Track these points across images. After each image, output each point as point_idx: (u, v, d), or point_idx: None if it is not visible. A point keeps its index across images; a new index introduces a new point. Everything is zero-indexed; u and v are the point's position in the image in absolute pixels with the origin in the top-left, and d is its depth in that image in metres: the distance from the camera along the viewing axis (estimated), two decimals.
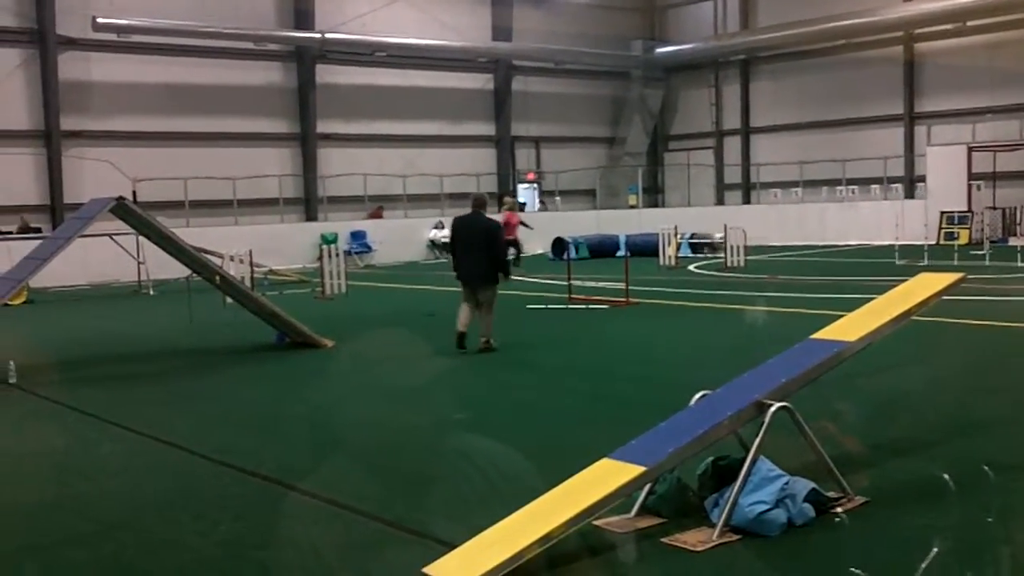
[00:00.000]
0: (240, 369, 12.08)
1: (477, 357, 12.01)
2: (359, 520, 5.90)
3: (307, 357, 12.50)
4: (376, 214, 33.25)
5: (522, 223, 24.98)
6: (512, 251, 23.24)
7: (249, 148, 31.95)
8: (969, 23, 31.45)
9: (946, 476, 5.97)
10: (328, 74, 33.71)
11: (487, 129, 37.95)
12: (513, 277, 20.58)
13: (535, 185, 38.88)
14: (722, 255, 25.31)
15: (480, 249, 11.97)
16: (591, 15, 39.40)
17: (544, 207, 37.72)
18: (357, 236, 30.86)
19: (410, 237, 31.75)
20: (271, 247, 26.09)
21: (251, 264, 20.09)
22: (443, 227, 31.86)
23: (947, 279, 7.02)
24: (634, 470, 5.28)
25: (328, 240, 27.98)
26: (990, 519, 5.33)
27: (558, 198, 37.21)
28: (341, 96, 33.77)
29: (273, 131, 32.75)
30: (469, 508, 5.78)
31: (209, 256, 15.67)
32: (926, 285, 6.97)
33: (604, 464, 5.42)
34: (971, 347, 11.73)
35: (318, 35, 32.59)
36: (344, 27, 33.09)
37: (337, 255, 21.13)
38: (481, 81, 37.67)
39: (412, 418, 8.69)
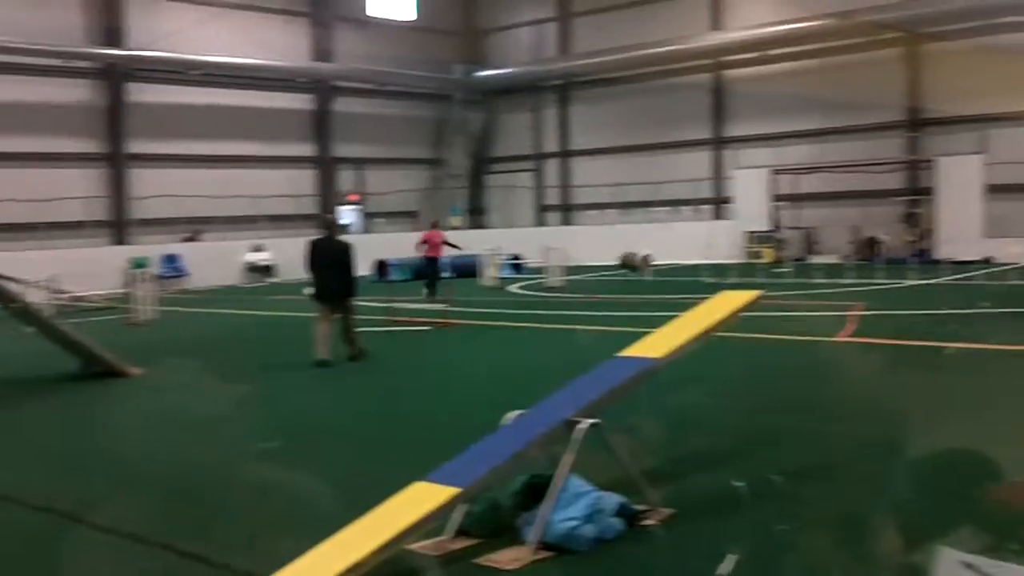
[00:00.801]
0: (38, 401, 11.43)
1: (288, 382, 11.85)
2: (158, 554, 5.67)
3: (112, 387, 11.95)
4: (193, 237, 32.24)
5: (447, 243, 23.28)
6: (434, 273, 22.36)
7: (54, 169, 30.42)
8: (772, 52, 33.20)
9: (744, 486, 6.23)
10: (140, 92, 32.53)
11: (307, 150, 37.41)
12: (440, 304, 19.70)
13: (358, 207, 38.56)
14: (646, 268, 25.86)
15: (336, 268, 12.80)
16: (412, 38, 39.50)
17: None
18: (171, 260, 29.83)
19: (227, 260, 30.90)
20: (78, 272, 24.84)
21: (53, 290, 19.11)
22: (262, 250, 31.22)
23: (746, 297, 7.35)
24: (448, 492, 5.28)
25: (139, 264, 26.90)
26: (783, 526, 5.60)
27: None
28: (154, 115, 32.60)
29: (80, 151, 31.30)
30: (279, 539, 5.63)
31: (7, 282, 14.79)
32: (727, 303, 7.28)
33: (418, 487, 5.39)
34: (768, 361, 12.29)
35: (128, 52, 31.44)
36: (156, 44, 32.01)
37: (148, 280, 20.36)
38: (301, 101, 37.16)
39: (219, 447, 8.43)
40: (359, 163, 38.71)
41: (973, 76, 27.74)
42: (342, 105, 38.08)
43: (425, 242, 22.77)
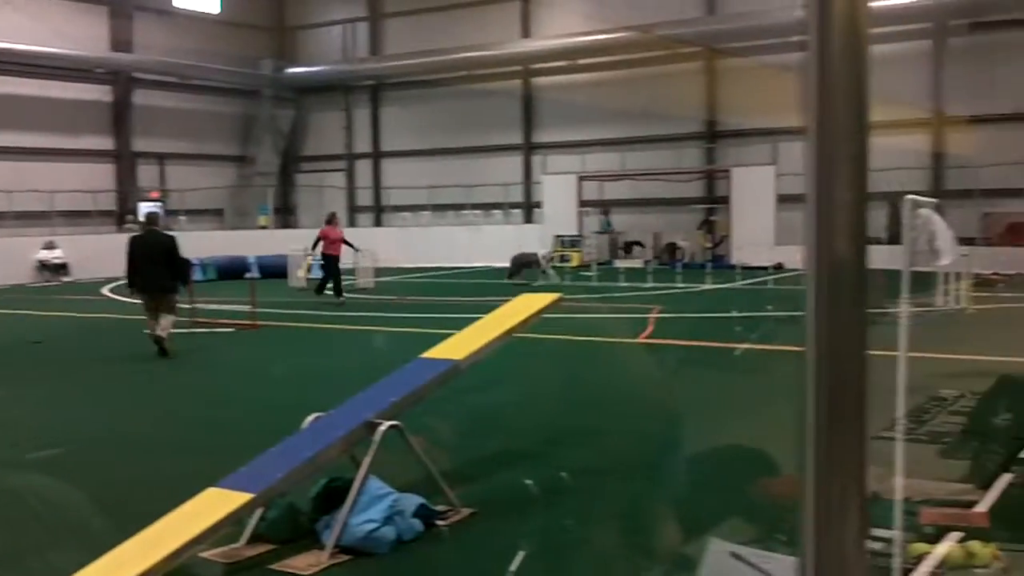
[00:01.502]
0: None
1: (81, 386, 11.29)
2: None
3: None
4: None
5: (345, 242, 21.36)
6: (323, 274, 20.67)
7: None
8: (579, 61, 34.06)
9: (534, 485, 6.38)
10: None
11: (105, 143, 35.74)
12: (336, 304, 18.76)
13: (159, 204, 37.10)
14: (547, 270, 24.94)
15: (161, 263, 13.05)
16: (219, 32, 38.36)
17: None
18: None
19: (17, 258, 29.10)
20: None
21: None
22: (55, 247, 29.62)
23: (546, 299, 7.53)
24: (241, 498, 5.18)
25: None
26: (572, 522, 5.77)
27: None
28: None
29: None
30: (60, 552, 5.38)
31: None
32: (527, 305, 7.43)
33: (210, 493, 5.26)
34: (567, 361, 12.62)
35: None
36: None
37: None
38: (99, 93, 35.45)
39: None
40: (161, 158, 37.29)
41: (766, 91, 29.26)
42: (143, 98, 36.55)
43: (323, 239, 20.92)
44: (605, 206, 33.31)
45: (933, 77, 29.06)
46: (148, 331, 13.21)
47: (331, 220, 21.71)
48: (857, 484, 0.84)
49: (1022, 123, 27.89)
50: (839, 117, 0.89)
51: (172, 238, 13.57)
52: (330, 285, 20.63)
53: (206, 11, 38.04)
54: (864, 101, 0.90)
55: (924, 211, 3.96)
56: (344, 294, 20.64)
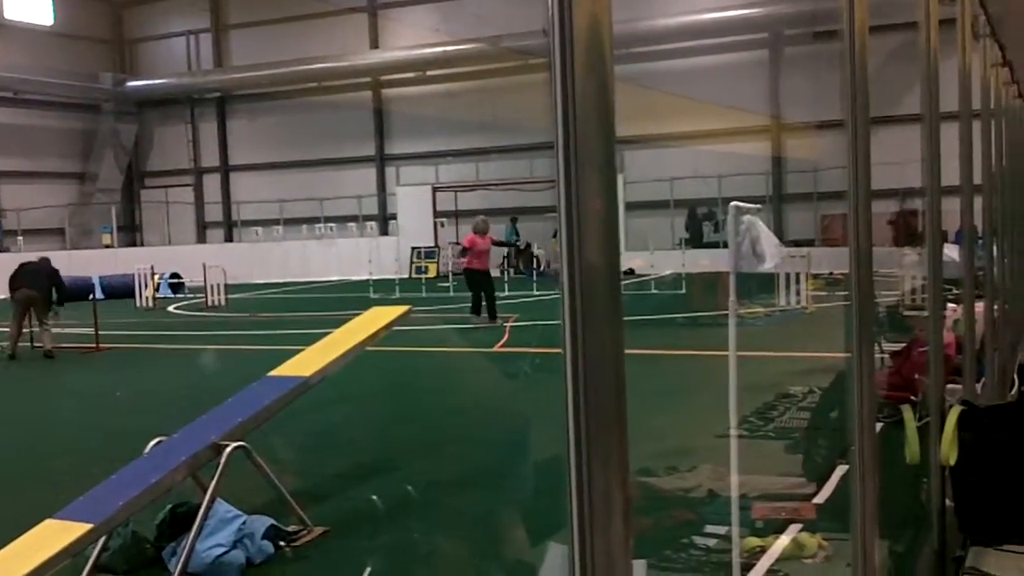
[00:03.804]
0: None
1: None
2: None
3: None
4: None
5: (500, 242, 17.24)
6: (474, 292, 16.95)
7: None
8: (429, 73, 34.11)
9: (378, 501, 6.37)
10: None
11: None
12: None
13: None
14: None
15: (44, 282, 15.36)
16: (54, 44, 36.91)
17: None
18: None
19: None
20: None
21: None
22: None
23: (395, 312, 7.51)
24: (80, 528, 4.97)
25: None
26: (419, 533, 5.78)
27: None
28: None
29: None
30: None
31: None
32: (377, 318, 7.39)
33: (47, 526, 5.04)
34: (419, 374, 12.59)
35: None
36: None
37: None
38: None
39: None
40: None
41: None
42: None
43: (467, 249, 17.45)
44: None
45: (773, 85, 30.23)
46: (8, 343, 14.92)
47: (481, 228, 17.66)
48: (620, 483, 0.87)
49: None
50: (586, 129, 0.93)
51: (57, 270, 16.03)
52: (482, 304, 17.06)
53: (39, 23, 36.53)
54: (609, 113, 0.94)
55: (748, 217, 4.14)
56: (498, 315, 16.93)
